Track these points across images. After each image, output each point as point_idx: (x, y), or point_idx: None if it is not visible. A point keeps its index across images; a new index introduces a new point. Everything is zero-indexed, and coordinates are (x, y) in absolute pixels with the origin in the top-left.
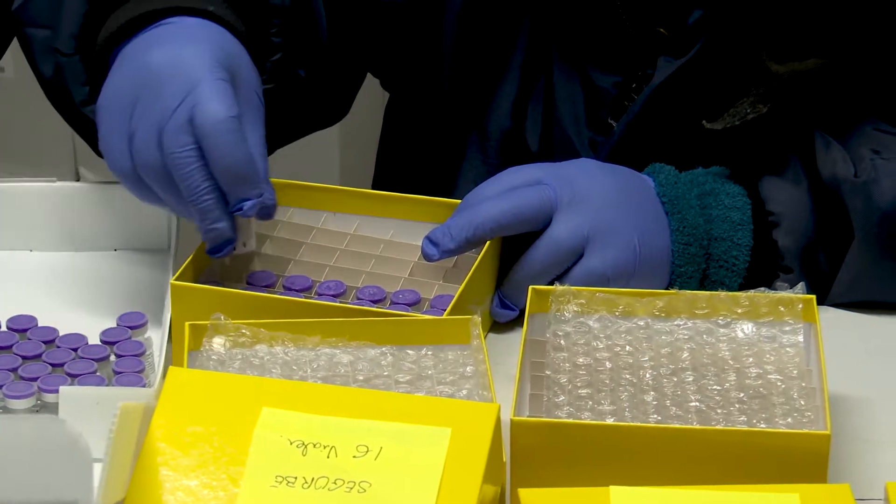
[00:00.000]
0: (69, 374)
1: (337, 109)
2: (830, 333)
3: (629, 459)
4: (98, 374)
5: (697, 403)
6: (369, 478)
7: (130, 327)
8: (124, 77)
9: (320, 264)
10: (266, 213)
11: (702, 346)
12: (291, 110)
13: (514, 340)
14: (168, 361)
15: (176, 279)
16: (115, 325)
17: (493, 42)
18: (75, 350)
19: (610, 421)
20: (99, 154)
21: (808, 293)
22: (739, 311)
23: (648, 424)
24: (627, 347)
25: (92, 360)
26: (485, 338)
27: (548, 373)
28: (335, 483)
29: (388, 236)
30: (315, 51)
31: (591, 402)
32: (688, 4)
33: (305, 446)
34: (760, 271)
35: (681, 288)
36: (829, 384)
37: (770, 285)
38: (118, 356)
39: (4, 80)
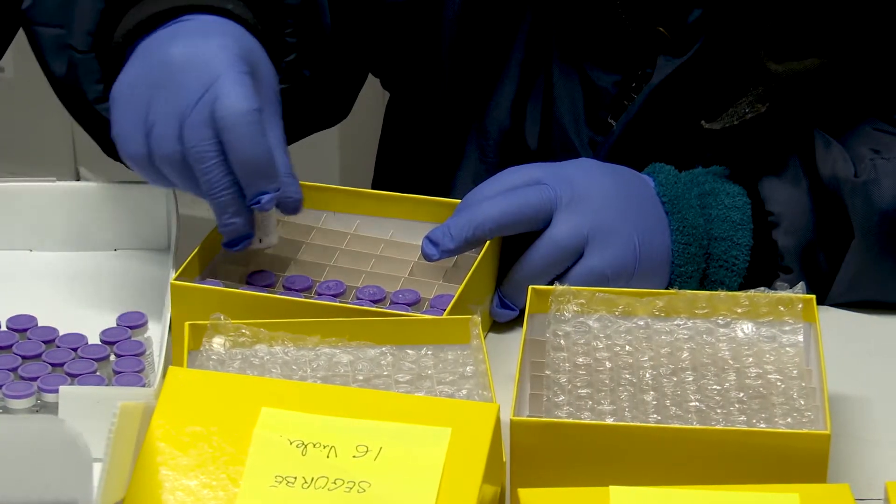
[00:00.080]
0: (69, 374)
1: (338, 110)
2: (830, 333)
3: (629, 459)
4: (98, 373)
5: (697, 403)
6: (369, 478)
7: (130, 327)
8: (143, 67)
9: (320, 264)
10: (290, 207)
11: (702, 345)
12: (295, 111)
13: (514, 340)
14: (168, 361)
15: (176, 279)
16: (114, 324)
17: (492, 41)
18: (75, 350)
19: (610, 421)
20: (104, 150)
21: (807, 293)
22: (739, 310)
23: (648, 424)
24: (627, 347)
25: (92, 359)
26: (485, 338)
27: (547, 373)
28: (335, 483)
29: (388, 236)
30: (321, 50)
31: (590, 402)
32: (687, 4)
33: (305, 446)
34: (760, 271)
35: (681, 288)
36: (829, 384)
37: (770, 285)
38: (118, 356)
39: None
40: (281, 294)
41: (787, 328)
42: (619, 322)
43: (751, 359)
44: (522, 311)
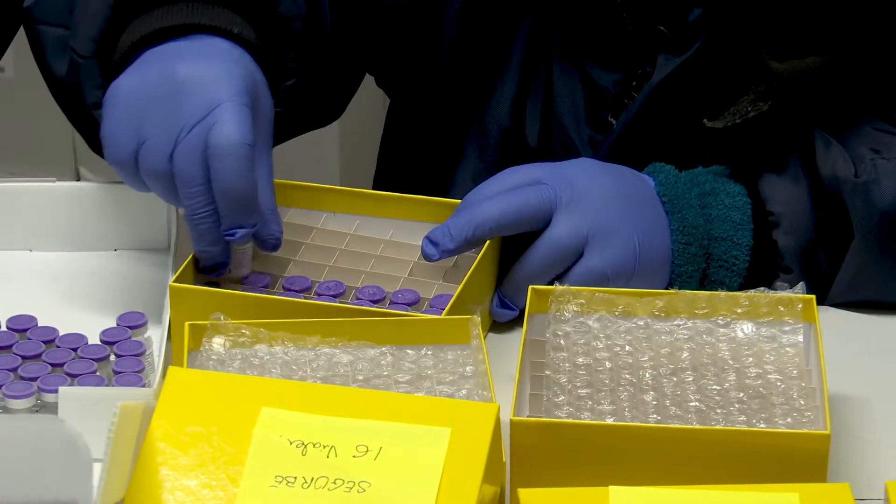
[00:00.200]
0: (69, 374)
1: (334, 109)
2: (830, 333)
3: (629, 459)
4: (98, 373)
5: (697, 403)
6: (369, 478)
7: (130, 327)
8: (145, 77)
9: (320, 264)
10: (269, 245)
11: (701, 345)
12: (289, 110)
13: (514, 340)
14: (168, 361)
15: (175, 281)
16: (114, 324)
17: (492, 40)
18: (75, 350)
19: (610, 421)
20: (97, 152)
21: (807, 293)
22: (739, 310)
23: (648, 424)
24: (627, 347)
25: (92, 359)
26: (485, 338)
27: (547, 373)
28: (335, 483)
29: (388, 236)
30: (320, 56)
31: (590, 402)
32: (688, 2)
33: (305, 446)
34: (760, 271)
35: (681, 288)
36: (828, 384)
37: (770, 285)
38: (118, 356)
39: (4, 80)
40: (280, 294)
41: (787, 328)
42: (619, 322)
43: (751, 359)
44: (522, 311)
